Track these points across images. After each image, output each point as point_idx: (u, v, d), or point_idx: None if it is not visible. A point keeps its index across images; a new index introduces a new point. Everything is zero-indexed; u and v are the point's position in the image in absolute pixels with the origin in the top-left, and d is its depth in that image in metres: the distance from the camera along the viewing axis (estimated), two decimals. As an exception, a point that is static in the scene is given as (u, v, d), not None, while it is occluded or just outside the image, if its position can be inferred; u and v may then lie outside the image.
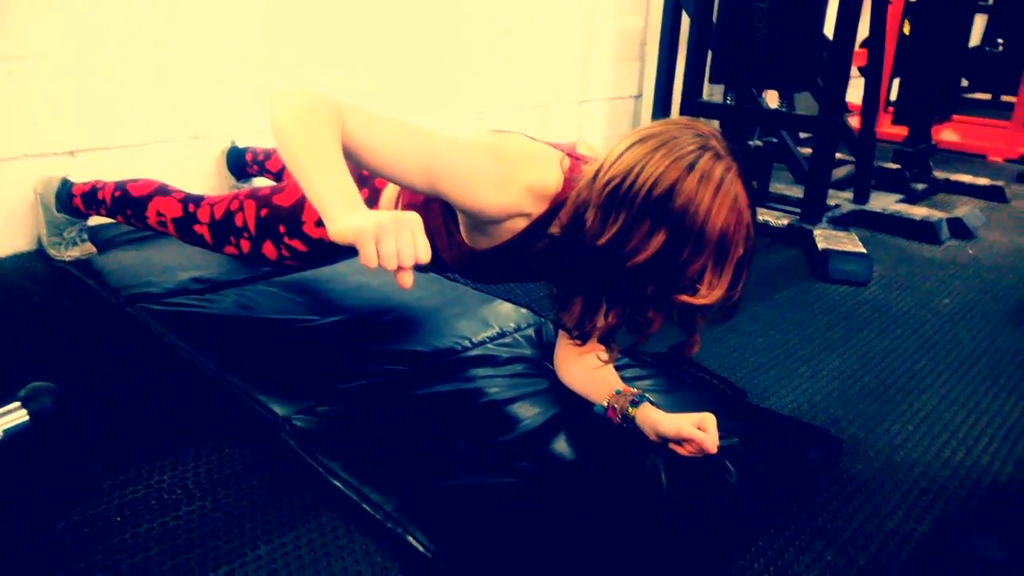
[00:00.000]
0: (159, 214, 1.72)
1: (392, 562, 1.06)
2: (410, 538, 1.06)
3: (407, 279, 0.97)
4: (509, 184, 1.19)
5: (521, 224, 1.25)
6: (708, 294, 1.07)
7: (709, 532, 1.12)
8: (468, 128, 1.25)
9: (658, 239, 1.05)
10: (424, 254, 0.96)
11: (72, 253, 1.98)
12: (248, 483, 1.22)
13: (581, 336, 1.21)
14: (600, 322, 1.19)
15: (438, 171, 1.15)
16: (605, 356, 1.31)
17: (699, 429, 1.25)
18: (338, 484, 1.17)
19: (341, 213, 0.99)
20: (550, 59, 3.33)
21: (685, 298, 1.07)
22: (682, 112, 2.93)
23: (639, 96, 3.82)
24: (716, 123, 2.70)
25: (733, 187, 1.06)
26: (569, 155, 1.26)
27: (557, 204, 1.22)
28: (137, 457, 1.26)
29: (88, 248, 2.01)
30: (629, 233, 1.07)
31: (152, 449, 1.28)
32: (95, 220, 2.05)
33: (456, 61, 2.97)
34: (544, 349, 1.64)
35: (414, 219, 0.97)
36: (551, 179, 1.22)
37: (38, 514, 1.12)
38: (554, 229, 1.24)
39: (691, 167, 1.05)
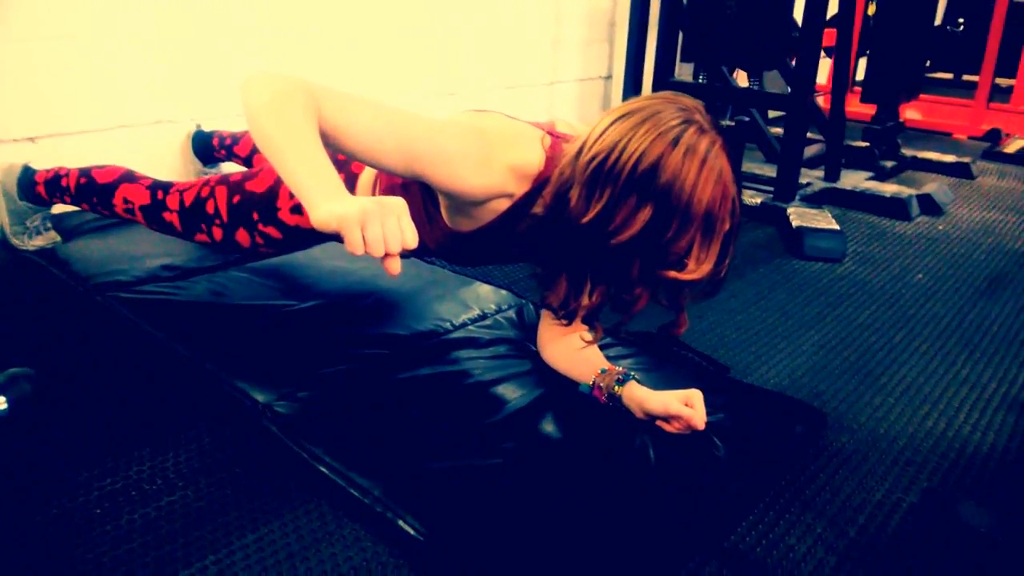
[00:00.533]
0: (126, 201, 1.67)
1: (383, 546, 1.05)
2: (400, 522, 1.05)
3: (395, 266, 0.94)
4: (491, 165, 1.16)
5: (503, 205, 1.23)
6: (696, 269, 1.06)
7: (700, 507, 1.12)
8: (439, 111, 1.22)
9: (644, 215, 1.04)
10: (411, 239, 0.94)
11: (36, 242, 1.92)
12: (230, 471, 1.19)
13: (566, 316, 1.19)
14: (585, 301, 1.17)
15: (418, 153, 1.12)
16: (589, 336, 1.29)
17: (686, 406, 1.25)
18: (324, 470, 1.15)
19: (323, 200, 0.95)
20: (519, 40, 3.30)
21: (674, 274, 1.06)
22: (654, 91, 2.92)
23: (609, 77, 3.80)
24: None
25: (718, 161, 1.05)
26: (550, 133, 1.24)
27: (540, 183, 1.20)
28: (114, 448, 1.22)
29: (52, 236, 1.95)
30: (614, 210, 1.05)
31: (129, 440, 1.25)
32: (59, 208, 1.99)
33: (425, 43, 2.93)
34: (526, 330, 1.62)
35: (399, 204, 0.95)
36: (533, 158, 1.20)
37: (13, 508, 1.08)
38: (537, 209, 1.22)
39: (676, 141, 1.04)
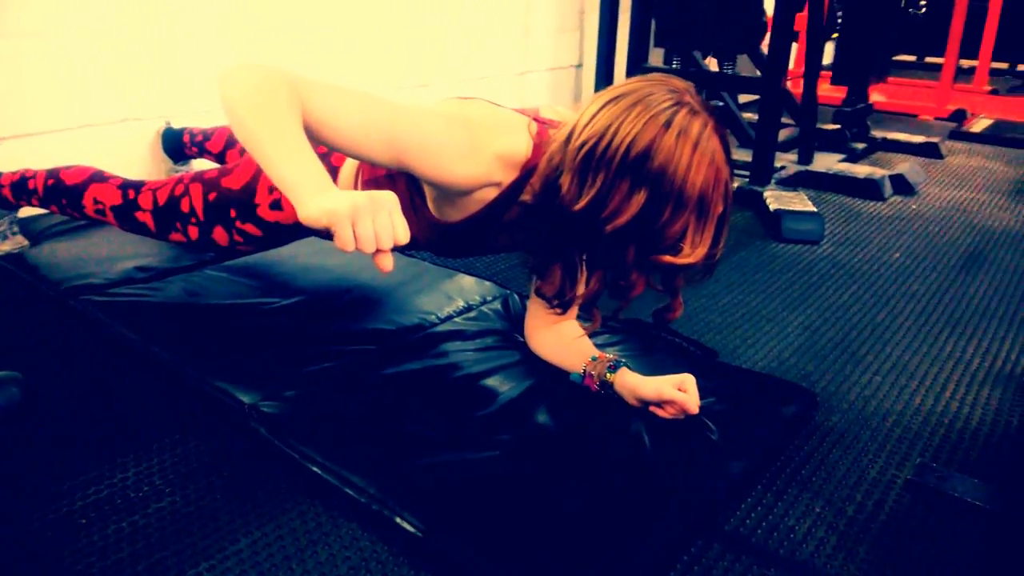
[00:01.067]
0: (97, 202, 1.62)
1: (381, 544, 1.02)
2: (398, 519, 1.03)
3: (387, 262, 0.92)
4: (479, 154, 1.14)
5: (491, 194, 1.21)
6: (692, 253, 1.05)
7: (699, 491, 1.11)
8: (413, 102, 1.19)
9: (638, 200, 1.03)
10: (403, 235, 0.91)
11: (3, 247, 1.86)
12: (218, 475, 1.16)
13: (562, 305, 1.18)
14: (581, 289, 1.16)
15: (404, 144, 1.09)
16: (581, 325, 1.28)
17: (679, 391, 1.24)
18: (316, 469, 1.12)
19: (310, 195, 0.92)
20: (489, 30, 3.28)
21: (669, 258, 1.05)
22: (628, 78, 2.91)
23: (579, 66, 3.79)
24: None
25: (711, 143, 1.04)
26: (536, 120, 1.22)
27: (528, 171, 1.18)
28: (96, 455, 1.19)
29: (20, 241, 1.89)
30: (608, 196, 1.04)
31: (111, 446, 1.21)
32: (25, 211, 1.93)
33: (395, 34, 2.89)
34: (512, 321, 1.60)
35: (391, 198, 0.92)
36: (521, 146, 1.18)
37: (-7, 522, 1.04)
38: (526, 197, 1.20)
39: (668, 124, 1.02)
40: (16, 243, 1.89)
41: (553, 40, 3.59)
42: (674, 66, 2.86)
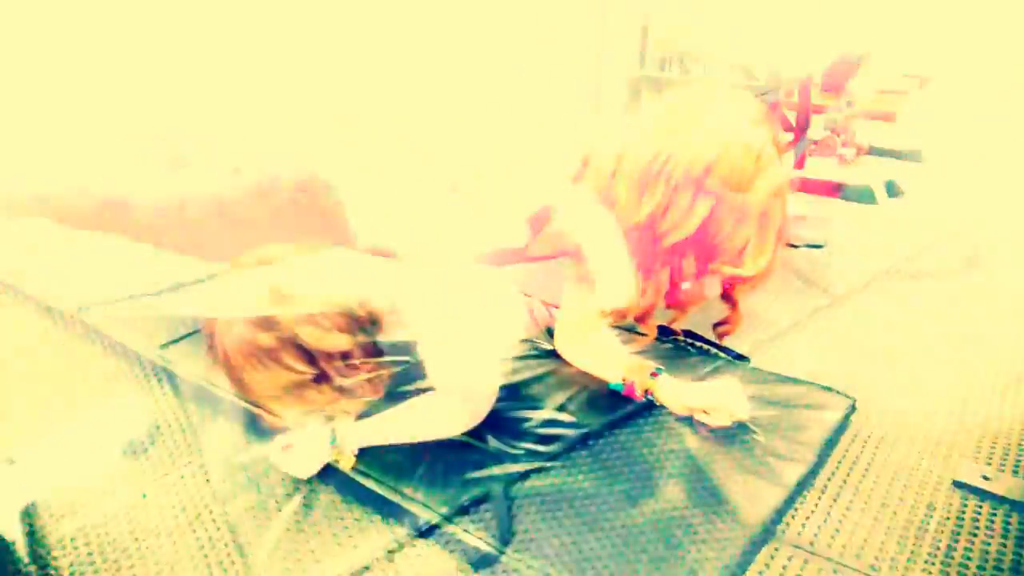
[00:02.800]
0: None
1: (451, 560, 1.01)
2: (469, 534, 1.01)
3: None
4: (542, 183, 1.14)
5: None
6: (754, 264, 1.05)
7: (757, 497, 1.11)
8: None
9: (699, 213, 1.03)
10: None
11: None
12: (270, 494, 1.13)
13: (616, 315, 1.18)
14: (639, 300, 1.15)
15: None
16: (635, 336, 1.27)
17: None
18: (374, 487, 1.10)
19: None
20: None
21: (731, 270, 1.06)
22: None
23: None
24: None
25: (772, 156, 1.05)
26: (582, 129, 1.22)
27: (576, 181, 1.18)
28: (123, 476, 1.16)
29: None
30: (668, 209, 1.04)
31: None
32: None
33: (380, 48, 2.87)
34: (540, 330, 1.59)
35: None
36: (571, 156, 1.17)
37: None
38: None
39: (730, 137, 1.03)
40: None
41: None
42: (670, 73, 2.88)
